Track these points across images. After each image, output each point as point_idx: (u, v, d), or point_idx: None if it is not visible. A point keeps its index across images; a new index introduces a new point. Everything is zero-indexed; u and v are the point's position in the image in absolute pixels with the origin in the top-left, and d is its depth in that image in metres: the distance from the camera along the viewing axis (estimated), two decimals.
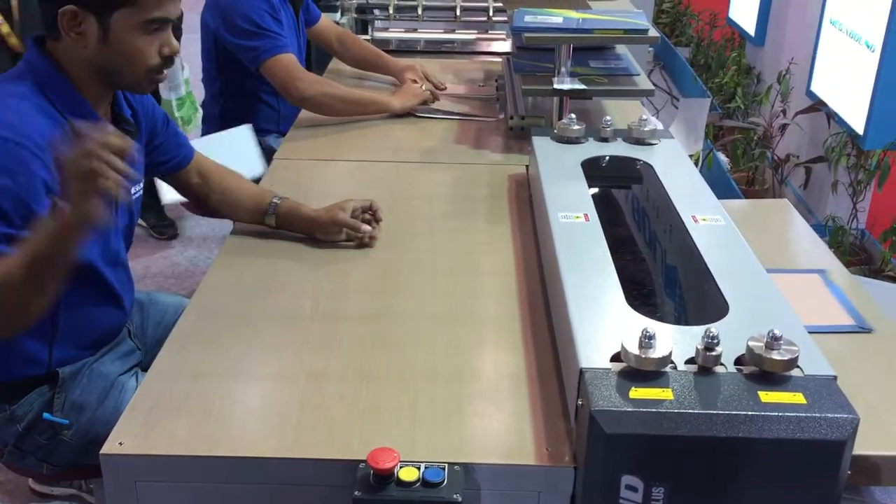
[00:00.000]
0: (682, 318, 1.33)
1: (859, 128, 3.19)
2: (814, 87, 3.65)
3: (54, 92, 1.42)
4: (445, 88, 2.70)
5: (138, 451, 1.14)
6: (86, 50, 1.41)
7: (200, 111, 3.64)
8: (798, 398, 1.05)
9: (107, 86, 1.48)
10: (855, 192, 3.36)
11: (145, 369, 1.40)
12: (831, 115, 3.48)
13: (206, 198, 1.80)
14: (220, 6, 2.53)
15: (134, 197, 1.61)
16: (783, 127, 4.00)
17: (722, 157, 4.26)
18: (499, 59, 3.08)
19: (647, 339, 1.09)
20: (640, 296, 1.33)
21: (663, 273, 1.53)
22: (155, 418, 1.20)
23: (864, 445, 1.08)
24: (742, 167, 4.19)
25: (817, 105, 3.58)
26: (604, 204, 1.69)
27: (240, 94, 2.70)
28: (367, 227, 1.73)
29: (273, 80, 2.47)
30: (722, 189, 3.97)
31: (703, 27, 6.23)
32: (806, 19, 4.06)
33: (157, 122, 1.69)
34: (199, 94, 2.98)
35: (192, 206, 1.75)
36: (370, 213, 1.77)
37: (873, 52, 3.10)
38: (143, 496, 1.14)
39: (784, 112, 4.11)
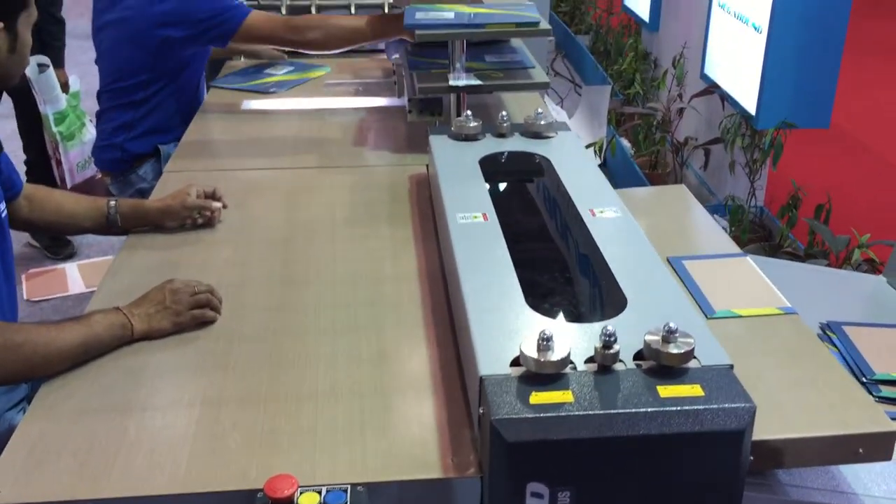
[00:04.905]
0: (582, 316, 1.32)
1: (751, 108, 3.26)
2: (707, 71, 3.73)
3: None
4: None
5: (18, 499, 1.06)
6: None
7: (90, 127, 3.47)
8: (696, 390, 1.05)
9: None
10: (752, 171, 3.45)
11: None
12: (725, 97, 3.56)
13: (35, 220, 1.75)
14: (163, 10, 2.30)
15: (2, 216, 1.55)
16: (681, 111, 4.08)
17: (625, 142, 4.32)
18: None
19: (544, 342, 1.07)
20: (541, 295, 1.31)
21: (563, 270, 1.52)
22: (35, 461, 1.13)
23: (765, 430, 1.09)
24: (644, 152, 4.26)
25: (711, 88, 3.66)
26: (503, 201, 1.67)
27: (164, 100, 2.47)
28: (216, 204, 1.82)
29: (260, 33, 2.32)
30: (627, 174, 4.03)
31: (601, 14, 6.32)
32: (696, 3, 4.14)
33: None
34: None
35: (20, 227, 1.76)
36: (212, 196, 1.83)
37: (760, 33, 3.17)
38: None
39: (681, 96, 4.20)
